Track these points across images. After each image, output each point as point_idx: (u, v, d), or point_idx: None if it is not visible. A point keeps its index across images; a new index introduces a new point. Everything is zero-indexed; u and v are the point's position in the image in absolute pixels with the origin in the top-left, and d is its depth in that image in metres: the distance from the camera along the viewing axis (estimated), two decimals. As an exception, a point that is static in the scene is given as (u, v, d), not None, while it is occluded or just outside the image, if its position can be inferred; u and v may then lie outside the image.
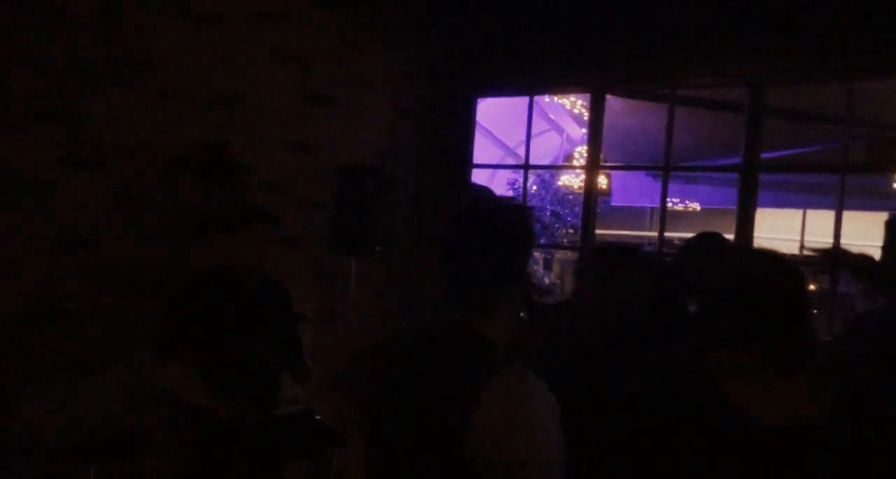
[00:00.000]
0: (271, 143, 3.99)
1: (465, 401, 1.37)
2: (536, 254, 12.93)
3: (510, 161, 9.52)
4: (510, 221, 1.54)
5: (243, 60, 3.82)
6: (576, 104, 9.12)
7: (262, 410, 2.97)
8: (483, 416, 1.36)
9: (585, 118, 5.59)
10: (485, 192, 2.32)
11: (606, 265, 2.48)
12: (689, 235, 3.09)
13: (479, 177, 9.48)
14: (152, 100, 3.44)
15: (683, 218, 10.07)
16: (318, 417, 3.15)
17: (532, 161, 5.08)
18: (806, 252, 2.71)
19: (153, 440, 3.19)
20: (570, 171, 11.14)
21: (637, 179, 8.07)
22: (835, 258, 2.84)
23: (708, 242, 2.98)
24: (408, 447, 1.48)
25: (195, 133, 3.61)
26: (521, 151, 5.19)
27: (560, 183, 11.49)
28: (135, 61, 3.37)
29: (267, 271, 3.17)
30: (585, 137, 4.95)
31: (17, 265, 3.07)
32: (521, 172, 5.44)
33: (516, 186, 10.95)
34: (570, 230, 11.52)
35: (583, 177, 4.86)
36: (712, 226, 3.19)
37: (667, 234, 4.52)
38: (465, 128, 4.94)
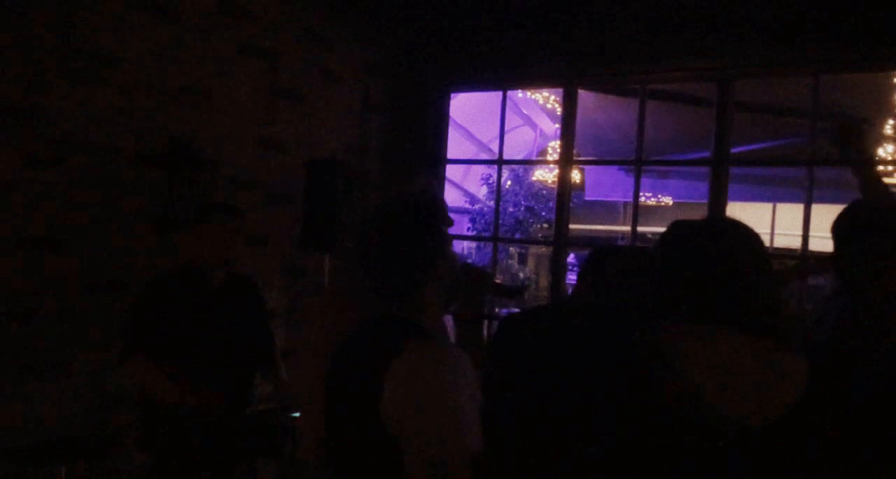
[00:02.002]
0: (238, 138, 3.93)
1: (377, 371, 1.47)
2: (511, 249, 12.95)
3: (484, 156, 9.53)
4: (410, 212, 1.64)
5: (208, 54, 3.75)
6: (549, 99, 9.14)
7: (234, 407, 2.93)
8: (392, 383, 1.46)
9: (559, 113, 5.59)
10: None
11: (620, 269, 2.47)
12: (662, 229, 3.09)
13: (453, 172, 9.47)
14: (114, 95, 3.36)
15: (656, 212, 10.11)
16: (297, 415, 3.10)
17: (506, 156, 5.06)
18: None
19: (119, 440, 3.14)
20: (543, 166, 11.17)
21: (610, 173, 8.11)
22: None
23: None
24: (338, 426, 1.61)
25: (160, 129, 3.54)
26: (495, 147, 5.18)
27: (534, 178, 11.54)
28: (95, 55, 3.29)
29: (234, 266, 3.12)
30: (558, 132, 4.95)
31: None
32: (495, 167, 5.44)
33: (490, 182, 10.97)
34: (545, 225, 11.56)
35: (556, 172, 4.86)
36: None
37: (640, 228, 4.54)
38: (438, 123, 4.92)
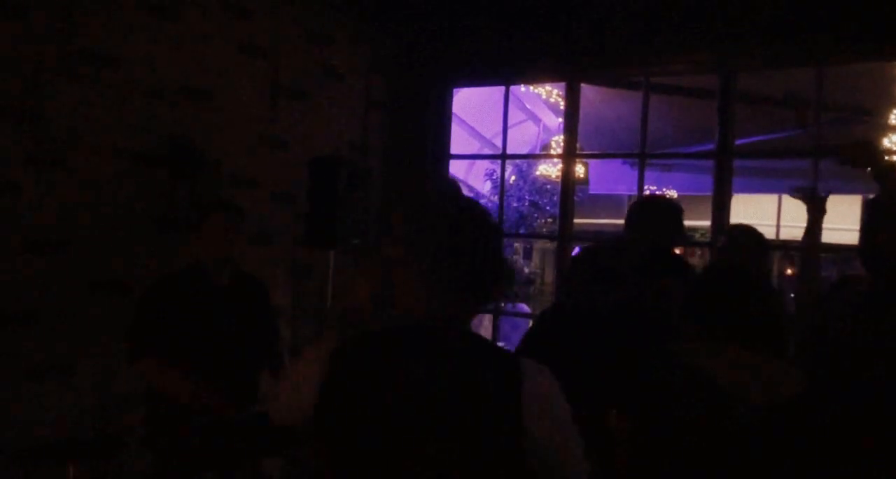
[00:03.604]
0: (240, 137, 3.93)
1: (508, 396, 1.35)
2: (516, 244, 12.94)
3: (487, 152, 9.51)
4: (490, 218, 1.53)
5: (210, 54, 3.75)
6: (552, 93, 9.12)
7: (241, 406, 2.93)
8: (528, 413, 1.35)
9: (561, 107, 5.58)
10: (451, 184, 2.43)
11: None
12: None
13: (456, 168, 9.46)
14: (116, 95, 3.37)
15: (661, 205, 10.08)
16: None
17: (509, 151, 5.06)
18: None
19: (125, 440, 3.14)
20: (547, 160, 11.15)
21: (614, 167, 8.08)
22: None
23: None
24: (442, 451, 1.36)
25: (162, 129, 3.54)
26: (498, 142, 5.18)
27: (538, 173, 11.52)
28: (97, 56, 3.29)
29: (238, 264, 3.12)
30: (562, 127, 4.94)
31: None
32: (499, 162, 5.43)
33: (494, 177, 10.95)
34: (549, 220, 11.55)
35: (560, 166, 4.86)
36: (688, 213, 3.20)
37: (644, 221, 4.51)
38: (441, 119, 4.91)
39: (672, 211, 3.09)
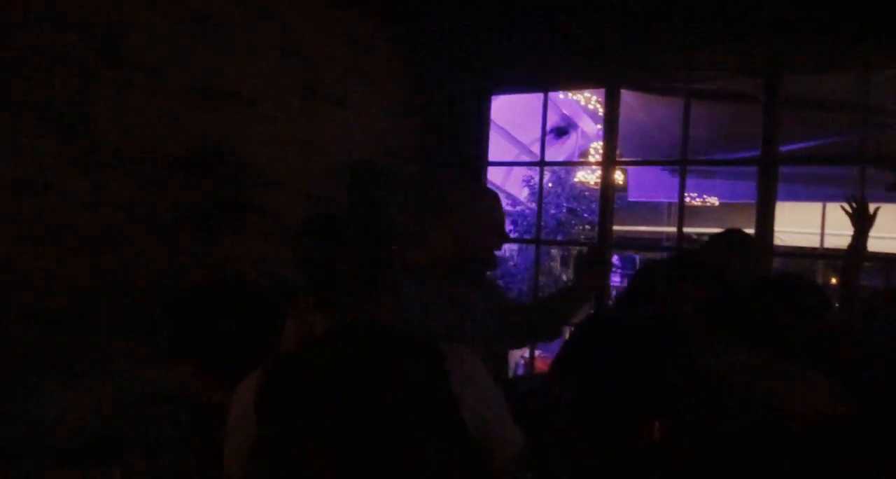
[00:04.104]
0: (276, 142, 3.99)
1: (439, 381, 1.47)
2: (553, 251, 12.87)
3: (525, 159, 9.49)
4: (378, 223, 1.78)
5: (246, 59, 3.83)
6: (590, 100, 9.08)
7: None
8: (462, 389, 1.47)
9: (600, 114, 5.54)
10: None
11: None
12: (708, 229, 3.08)
13: (494, 175, 9.46)
14: (154, 101, 3.45)
15: (701, 213, 9.96)
16: None
17: (547, 158, 5.04)
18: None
19: (126, 440, 3.16)
20: (585, 167, 11.07)
21: (653, 174, 7.99)
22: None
23: (734, 239, 3.02)
24: (398, 439, 1.47)
25: (197, 133, 3.62)
26: (536, 149, 5.16)
27: (576, 179, 11.45)
28: (134, 62, 3.38)
29: (273, 267, 3.15)
30: (601, 133, 4.91)
31: (14, 267, 3.08)
32: (537, 169, 5.41)
33: (532, 184, 10.92)
34: (587, 227, 11.46)
35: (598, 173, 4.82)
36: (731, 221, 3.17)
37: (685, 229, 4.46)
38: (479, 125, 4.91)
39: (743, 244, 3.06)
